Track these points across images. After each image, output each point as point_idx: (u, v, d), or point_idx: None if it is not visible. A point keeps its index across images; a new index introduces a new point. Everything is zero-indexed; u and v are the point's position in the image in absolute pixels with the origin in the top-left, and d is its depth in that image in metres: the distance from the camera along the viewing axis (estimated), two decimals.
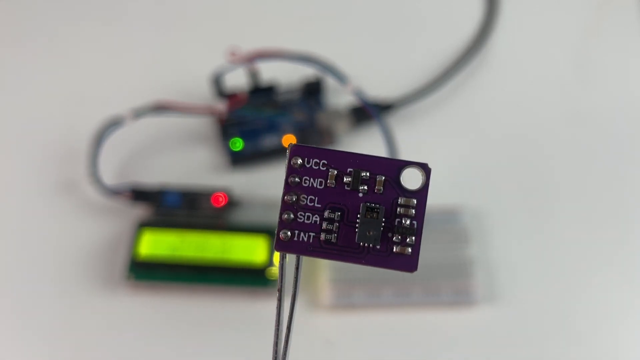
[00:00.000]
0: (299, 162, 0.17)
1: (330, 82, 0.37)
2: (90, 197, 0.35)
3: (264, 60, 0.35)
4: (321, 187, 0.17)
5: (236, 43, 0.35)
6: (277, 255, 0.16)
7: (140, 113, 0.35)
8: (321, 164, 0.17)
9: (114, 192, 0.34)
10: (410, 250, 0.16)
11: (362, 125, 0.37)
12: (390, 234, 0.16)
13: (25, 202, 0.35)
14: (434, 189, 0.35)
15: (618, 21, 0.42)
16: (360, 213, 0.16)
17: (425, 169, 0.17)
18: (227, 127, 0.37)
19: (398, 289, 0.31)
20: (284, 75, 0.38)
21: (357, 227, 0.16)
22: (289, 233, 0.17)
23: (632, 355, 0.31)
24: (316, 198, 0.17)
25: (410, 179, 0.17)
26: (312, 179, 0.17)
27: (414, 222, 0.17)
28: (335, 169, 0.17)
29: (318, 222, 0.17)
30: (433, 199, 0.34)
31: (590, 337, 0.31)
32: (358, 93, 0.33)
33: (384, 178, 0.17)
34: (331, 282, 0.32)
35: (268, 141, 0.36)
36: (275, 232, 0.17)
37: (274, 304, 0.32)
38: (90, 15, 0.43)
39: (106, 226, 0.34)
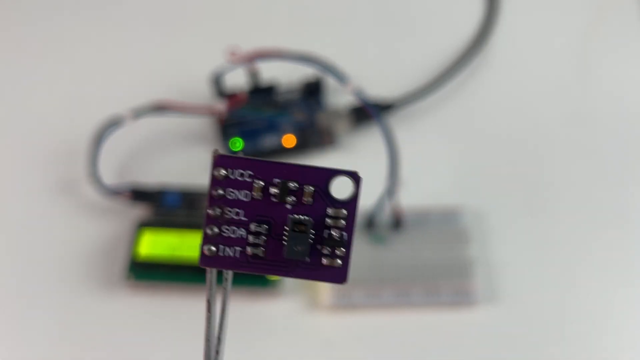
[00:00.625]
0: (222, 174, 0.16)
1: (330, 82, 0.37)
2: (90, 197, 0.35)
3: (263, 60, 0.35)
4: (247, 200, 0.16)
5: (236, 43, 0.35)
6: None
7: (140, 113, 0.35)
8: (247, 174, 0.16)
9: (113, 192, 0.34)
10: (339, 262, 0.16)
11: (362, 125, 0.37)
12: (319, 246, 0.16)
13: (24, 202, 0.35)
14: (434, 189, 0.35)
15: (618, 21, 0.42)
16: (288, 227, 0.16)
17: (354, 177, 0.16)
18: (227, 127, 0.37)
19: (398, 289, 0.31)
20: (284, 75, 0.38)
21: (284, 242, 0.16)
22: (213, 248, 0.16)
23: (632, 355, 0.31)
24: (242, 211, 0.16)
25: (342, 189, 0.16)
26: (237, 191, 0.16)
27: (344, 234, 0.16)
28: (261, 180, 0.16)
29: (244, 236, 0.16)
30: (433, 199, 0.34)
31: (590, 337, 0.31)
32: (358, 93, 0.33)
33: (312, 189, 0.16)
34: None
35: (268, 141, 0.36)
36: (200, 246, 0.16)
37: (274, 304, 0.32)
38: (90, 15, 0.43)
39: (106, 226, 0.34)
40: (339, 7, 0.43)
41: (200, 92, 0.38)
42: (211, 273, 0.17)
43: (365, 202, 0.32)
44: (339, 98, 0.38)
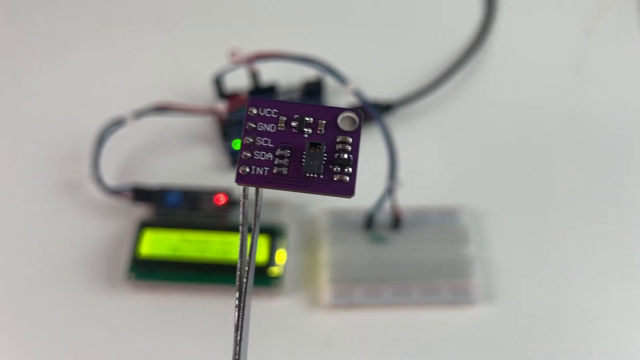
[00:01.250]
0: (254, 112, 0.20)
1: (330, 82, 0.37)
2: (92, 196, 0.35)
3: (264, 61, 0.35)
4: (273, 131, 0.20)
5: (237, 44, 0.35)
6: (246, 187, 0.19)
7: (141, 113, 0.35)
8: (273, 112, 0.20)
9: (115, 192, 0.34)
10: (347, 178, 0.19)
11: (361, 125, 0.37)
12: (331, 166, 0.19)
13: (27, 202, 0.35)
14: (433, 188, 0.35)
15: (617, 21, 0.42)
16: (306, 148, 0.19)
17: (357, 113, 0.20)
18: (228, 127, 0.37)
19: (398, 288, 0.32)
20: (285, 75, 0.38)
21: (303, 162, 0.19)
22: (247, 169, 0.19)
23: (631, 355, 0.31)
24: (269, 140, 0.20)
25: (349, 123, 0.20)
26: (265, 125, 0.20)
27: (350, 156, 0.19)
28: (284, 115, 0.20)
29: (271, 159, 0.19)
30: (432, 199, 0.34)
31: (589, 336, 0.31)
32: (358, 93, 0.33)
33: (324, 121, 0.20)
34: (331, 281, 0.32)
35: None
36: (236, 167, 0.19)
37: (275, 302, 0.32)
38: (92, 17, 0.43)
39: (107, 226, 0.34)
40: (339, 9, 0.43)
41: (201, 92, 0.38)
42: (245, 191, 0.20)
43: (365, 202, 0.33)
44: (339, 98, 0.38)
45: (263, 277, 0.32)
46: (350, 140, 0.19)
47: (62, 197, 0.35)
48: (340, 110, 0.20)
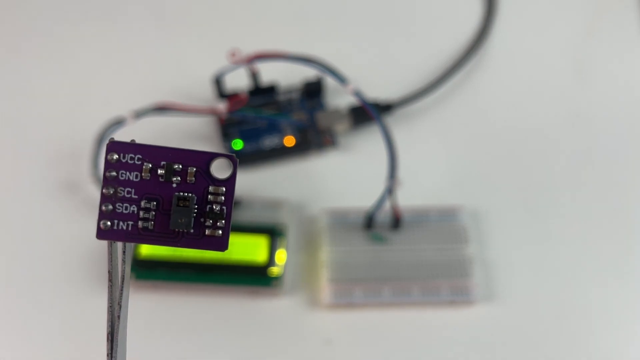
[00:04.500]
0: (114, 158, 0.18)
1: (330, 82, 0.37)
2: (92, 196, 0.35)
3: (264, 61, 0.35)
4: (137, 180, 0.18)
5: (237, 44, 0.35)
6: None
7: (141, 113, 0.35)
8: (136, 158, 0.18)
9: None
10: (220, 232, 0.18)
11: (361, 126, 0.37)
12: (202, 219, 0.18)
13: (27, 202, 0.35)
14: (433, 188, 0.35)
15: (617, 21, 0.42)
16: (173, 202, 0.18)
17: (232, 160, 0.18)
18: (228, 127, 0.37)
19: (397, 288, 0.32)
20: (284, 75, 0.38)
21: (171, 214, 0.18)
22: (108, 223, 0.18)
23: (630, 355, 0.31)
24: (133, 190, 0.18)
25: (221, 169, 0.19)
26: (128, 173, 0.18)
27: (224, 208, 0.18)
28: (149, 162, 0.18)
29: (135, 212, 0.18)
30: (432, 199, 0.34)
31: (588, 336, 0.31)
32: (358, 93, 0.33)
33: (195, 169, 0.18)
34: (331, 281, 0.32)
35: (268, 141, 0.37)
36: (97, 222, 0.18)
37: (274, 302, 0.32)
38: (92, 16, 0.43)
39: None
40: (339, 9, 0.43)
41: (201, 92, 0.38)
42: (111, 246, 0.19)
43: (365, 202, 0.33)
44: (339, 98, 0.38)
45: (263, 277, 0.32)
46: (224, 189, 0.18)
47: (62, 196, 0.35)
48: (213, 155, 0.18)
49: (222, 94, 0.37)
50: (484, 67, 0.40)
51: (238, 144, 0.36)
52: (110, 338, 0.19)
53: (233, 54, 0.34)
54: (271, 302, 0.32)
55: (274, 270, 0.32)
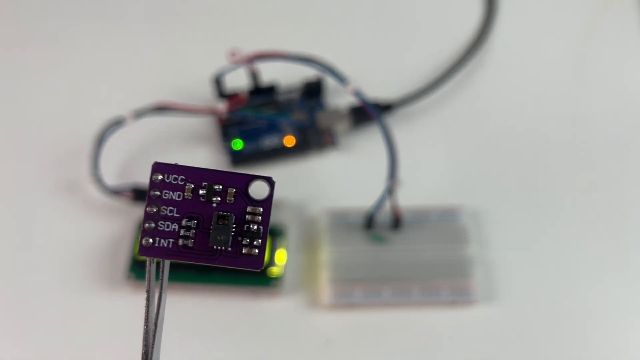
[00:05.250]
0: (159, 178, 0.19)
1: (330, 82, 0.37)
2: (92, 196, 0.35)
3: (264, 61, 0.35)
4: (179, 199, 0.19)
5: (237, 44, 0.35)
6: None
7: (141, 113, 0.35)
8: (179, 179, 0.19)
9: (115, 192, 0.34)
10: (256, 251, 0.19)
11: (362, 126, 0.37)
12: (240, 238, 0.19)
13: (27, 202, 0.35)
14: (433, 188, 0.35)
15: (617, 21, 0.42)
16: (213, 220, 0.18)
17: (269, 182, 0.19)
18: (228, 127, 0.37)
19: (397, 288, 0.32)
20: (284, 75, 0.38)
21: (210, 232, 0.19)
22: (150, 240, 0.19)
23: (630, 355, 0.31)
24: (175, 209, 0.19)
25: (259, 190, 0.19)
26: (171, 192, 0.19)
27: (260, 227, 0.19)
28: (191, 183, 0.19)
29: (177, 230, 0.19)
30: (432, 199, 0.34)
31: (588, 336, 0.31)
32: (358, 93, 0.33)
33: (234, 190, 0.19)
34: (331, 281, 0.32)
35: (268, 141, 0.37)
36: (139, 239, 0.19)
37: (275, 302, 0.32)
38: (92, 16, 0.43)
39: (107, 226, 0.34)
40: (339, 9, 0.43)
41: (201, 92, 0.38)
42: (150, 265, 0.19)
43: (365, 202, 0.33)
44: (339, 98, 0.38)
45: (263, 277, 0.32)
46: (261, 210, 0.19)
47: (61, 197, 0.35)
48: (252, 177, 0.19)
49: (222, 93, 0.37)
50: (484, 67, 0.40)
51: (238, 144, 0.36)
52: (144, 359, 0.19)
53: (233, 54, 0.34)
54: (271, 302, 0.32)
55: (274, 271, 0.32)
